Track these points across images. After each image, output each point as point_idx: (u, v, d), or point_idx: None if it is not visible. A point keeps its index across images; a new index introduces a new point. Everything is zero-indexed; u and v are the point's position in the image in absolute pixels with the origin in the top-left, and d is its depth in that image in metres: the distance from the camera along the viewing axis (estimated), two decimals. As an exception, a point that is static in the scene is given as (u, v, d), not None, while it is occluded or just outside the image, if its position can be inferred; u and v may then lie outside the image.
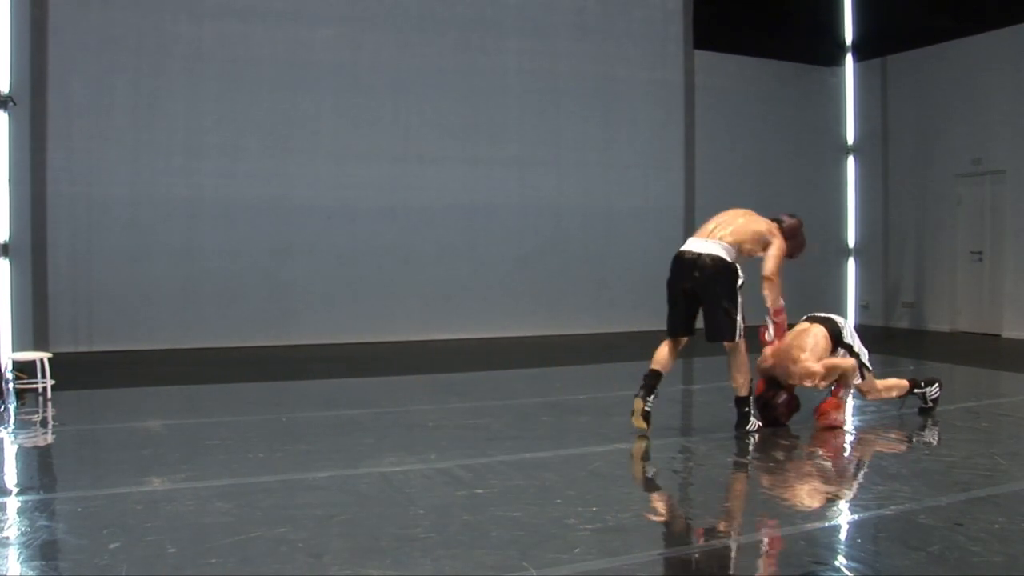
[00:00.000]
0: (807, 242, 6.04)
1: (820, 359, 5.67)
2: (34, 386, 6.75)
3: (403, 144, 11.07)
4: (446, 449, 5.15)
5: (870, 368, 6.02)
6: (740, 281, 5.67)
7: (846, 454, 5.38)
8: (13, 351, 6.87)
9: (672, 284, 5.71)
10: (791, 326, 6.03)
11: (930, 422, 6.02)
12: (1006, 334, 11.28)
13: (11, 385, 6.55)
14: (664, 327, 5.74)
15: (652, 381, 5.47)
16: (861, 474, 4.97)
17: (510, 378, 8.55)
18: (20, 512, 3.95)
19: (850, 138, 13.16)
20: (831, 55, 13.22)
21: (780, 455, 5.33)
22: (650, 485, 4.70)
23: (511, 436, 5.56)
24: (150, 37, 9.94)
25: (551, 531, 3.66)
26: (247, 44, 10.35)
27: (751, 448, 5.39)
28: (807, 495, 4.46)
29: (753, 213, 5.93)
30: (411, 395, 7.43)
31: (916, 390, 6.19)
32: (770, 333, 5.75)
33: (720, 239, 5.70)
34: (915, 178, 12.77)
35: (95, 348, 9.66)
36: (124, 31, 9.84)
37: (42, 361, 6.82)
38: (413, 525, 3.75)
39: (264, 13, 10.43)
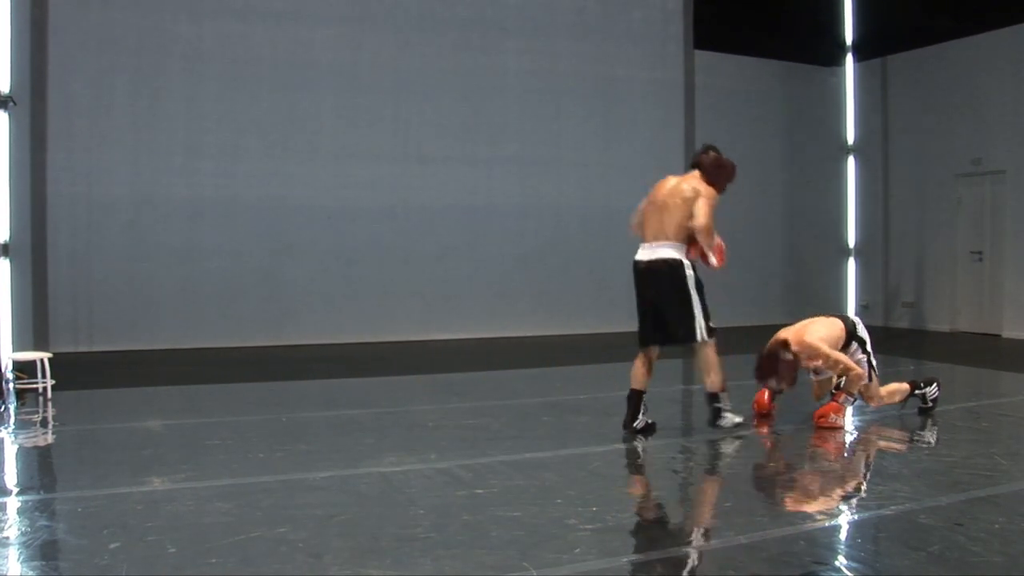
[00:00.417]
0: (732, 165, 5.78)
1: (830, 345, 5.72)
2: (34, 386, 6.75)
3: (403, 144, 11.07)
4: (446, 449, 5.15)
5: (878, 373, 6.03)
6: (690, 274, 5.52)
7: (846, 454, 5.38)
8: (13, 351, 6.88)
9: (637, 295, 5.71)
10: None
11: (930, 422, 6.02)
12: (1006, 334, 11.28)
13: (11, 385, 6.55)
14: None
15: (635, 403, 5.57)
16: (861, 474, 4.97)
17: (510, 378, 8.54)
18: (20, 512, 3.95)
19: (850, 138, 13.15)
20: (831, 55, 13.21)
21: (780, 455, 5.33)
22: (650, 485, 4.70)
23: (511, 436, 5.56)
24: (150, 37, 9.95)
25: (551, 531, 3.66)
26: (247, 44, 10.36)
27: (751, 448, 5.39)
28: (807, 495, 4.46)
29: (675, 184, 5.66)
30: (411, 395, 7.43)
31: (916, 391, 6.19)
32: (712, 261, 5.64)
33: (665, 239, 5.54)
34: (915, 178, 12.77)
35: (95, 348, 9.66)
36: (124, 31, 9.85)
37: (42, 361, 6.82)
38: (413, 525, 3.75)
39: (264, 13, 10.43)
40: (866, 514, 4.03)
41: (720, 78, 13.00)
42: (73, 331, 9.60)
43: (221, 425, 5.94)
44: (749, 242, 13.31)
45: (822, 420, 5.74)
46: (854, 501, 4.35)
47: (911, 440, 5.59)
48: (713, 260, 5.62)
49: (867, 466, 5.11)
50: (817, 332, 5.78)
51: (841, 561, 3.42)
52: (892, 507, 4.01)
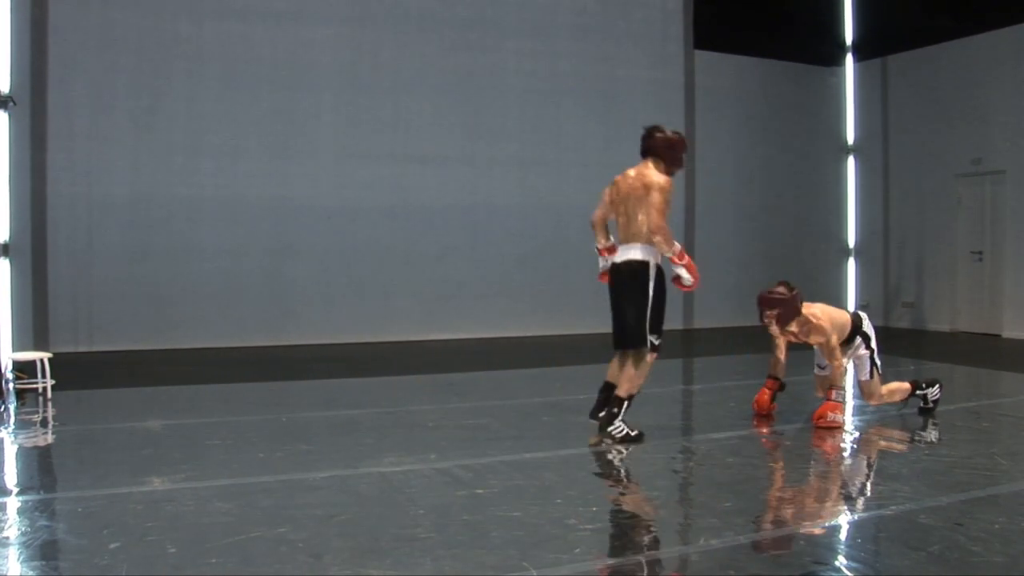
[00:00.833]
0: (681, 139, 5.61)
1: (836, 330, 5.76)
2: (34, 386, 6.75)
3: (403, 144, 11.07)
4: (446, 449, 5.15)
5: (880, 371, 6.04)
6: (653, 279, 5.31)
7: (846, 454, 5.38)
8: (13, 351, 6.88)
9: (611, 296, 5.60)
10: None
11: (930, 422, 6.02)
12: (1006, 334, 11.28)
13: (11, 385, 6.55)
14: None
15: (605, 395, 5.57)
16: (861, 474, 4.97)
17: (510, 378, 8.55)
18: (20, 512, 3.95)
19: (850, 138, 13.16)
20: (831, 55, 13.22)
21: (780, 455, 5.33)
22: (650, 485, 4.70)
23: (511, 436, 5.56)
24: (150, 37, 9.95)
25: (551, 531, 3.66)
26: (247, 44, 10.36)
27: (751, 448, 5.39)
28: (807, 495, 4.46)
29: (632, 179, 5.48)
30: (411, 395, 7.43)
31: (917, 392, 6.19)
32: (685, 278, 5.37)
33: (636, 240, 5.39)
34: (915, 178, 12.77)
35: (95, 348, 9.66)
36: (124, 31, 9.84)
37: (42, 361, 6.82)
38: (413, 525, 3.74)
39: (264, 13, 10.43)
40: (866, 514, 4.03)
41: (720, 78, 13.01)
42: (73, 331, 9.60)
43: (221, 425, 5.94)
44: (749, 242, 13.33)
45: (821, 420, 5.74)
46: (854, 501, 4.35)
47: (911, 440, 5.59)
48: (686, 277, 5.37)
49: (867, 466, 5.11)
50: (826, 311, 5.85)
51: (841, 561, 3.42)
52: (892, 507, 4.01)
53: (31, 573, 3.24)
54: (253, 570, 3.23)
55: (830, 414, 5.73)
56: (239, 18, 10.33)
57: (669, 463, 4.99)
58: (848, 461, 5.26)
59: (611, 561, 3.44)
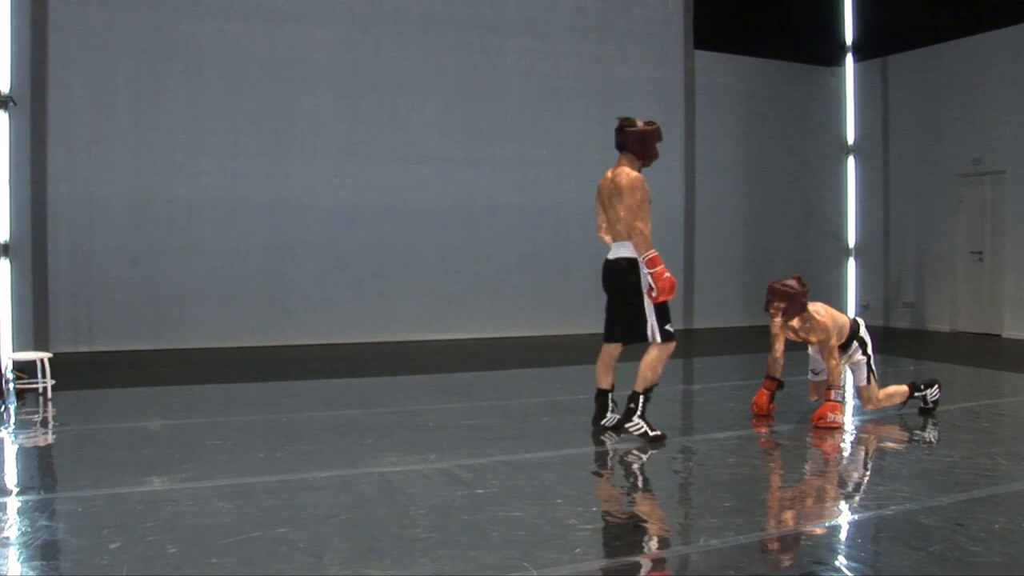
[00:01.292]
0: (653, 129, 5.53)
1: (835, 332, 5.82)
2: (34, 386, 6.75)
3: (403, 144, 11.07)
4: (446, 449, 5.15)
5: (877, 376, 6.05)
6: (644, 271, 5.26)
7: (846, 454, 5.38)
8: (13, 351, 6.88)
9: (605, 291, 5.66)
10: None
11: (930, 422, 6.02)
12: (1006, 334, 11.28)
13: (11, 385, 6.55)
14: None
15: (601, 402, 5.67)
16: (861, 474, 4.97)
17: (510, 378, 8.54)
18: (20, 512, 3.95)
19: (850, 138, 13.16)
20: (831, 55, 13.22)
21: (780, 455, 5.33)
22: (650, 485, 4.70)
23: (511, 436, 5.56)
24: (150, 37, 9.95)
25: (551, 531, 3.66)
26: (247, 44, 10.36)
27: (751, 448, 5.39)
28: (807, 495, 4.46)
29: (610, 180, 5.47)
30: (411, 395, 7.43)
31: (916, 393, 6.19)
32: (653, 288, 5.21)
33: (623, 238, 5.37)
34: (915, 178, 12.77)
35: (95, 348, 9.66)
36: (124, 31, 9.84)
37: (42, 361, 6.82)
38: (413, 525, 3.75)
39: (264, 13, 10.43)
40: (866, 514, 4.03)
41: (720, 78, 13.01)
42: (73, 331, 9.61)
43: (221, 425, 5.94)
44: (749, 242, 13.33)
45: (820, 421, 5.75)
46: (854, 501, 4.35)
47: (911, 440, 5.59)
48: (654, 288, 5.21)
49: (867, 466, 5.11)
50: (830, 310, 5.93)
51: (841, 561, 3.42)
52: (892, 507, 4.01)
53: (31, 573, 3.24)
54: (253, 570, 3.24)
55: (830, 414, 5.74)
56: (239, 18, 10.33)
57: (669, 463, 4.99)
58: (848, 461, 5.26)
59: (611, 561, 3.44)
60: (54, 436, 5.71)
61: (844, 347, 5.96)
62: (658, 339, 5.33)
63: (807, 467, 5.10)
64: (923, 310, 12.64)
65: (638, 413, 5.35)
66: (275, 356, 9.65)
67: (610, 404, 5.69)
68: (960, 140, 12.00)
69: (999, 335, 11.36)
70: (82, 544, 3.47)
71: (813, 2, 12.93)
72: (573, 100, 11.92)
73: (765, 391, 6.12)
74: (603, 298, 5.69)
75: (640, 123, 5.56)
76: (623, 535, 3.81)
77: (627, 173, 5.37)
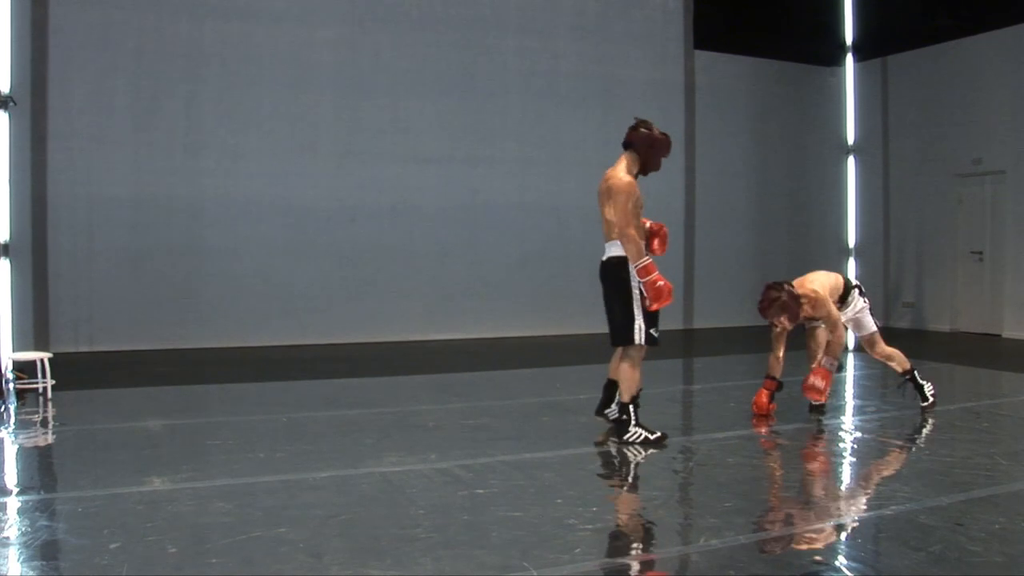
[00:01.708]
0: (665, 141, 5.45)
1: (830, 294, 5.91)
2: (34, 386, 6.75)
3: (403, 144, 11.07)
4: (446, 449, 5.15)
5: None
6: (635, 274, 5.22)
7: (846, 454, 5.38)
8: (13, 351, 6.87)
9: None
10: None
11: (930, 422, 6.02)
12: (1006, 334, 11.28)
13: (11, 385, 6.55)
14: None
15: (608, 392, 5.73)
16: (861, 474, 4.97)
17: (510, 378, 8.54)
18: (20, 512, 3.95)
19: (850, 138, 13.16)
20: (831, 55, 13.22)
21: (780, 455, 5.33)
22: (650, 485, 4.70)
23: (511, 436, 5.56)
24: (150, 37, 9.94)
25: (551, 531, 3.66)
26: (247, 44, 10.35)
27: (751, 448, 5.39)
28: (807, 495, 4.46)
29: (604, 181, 5.40)
30: (411, 395, 7.43)
31: (916, 379, 6.23)
32: (647, 300, 5.17)
33: (612, 238, 5.35)
34: (915, 178, 12.77)
35: (95, 348, 9.66)
36: (124, 31, 9.84)
37: (42, 361, 6.82)
38: (413, 525, 3.75)
39: (264, 13, 10.43)
40: (866, 514, 4.03)
41: (720, 78, 13.01)
42: (73, 331, 9.60)
43: (221, 425, 5.95)
44: (749, 242, 13.33)
45: (810, 392, 5.82)
46: (854, 501, 4.35)
47: (911, 440, 5.59)
48: (647, 295, 5.18)
49: (867, 466, 5.11)
50: (819, 280, 6.00)
51: (841, 561, 3.42)
52: (892, 507, 4.01)
53: (31, 573, 3.24)
54: (253, 570, 3.24)
55: (812, 379, 5.86)
56: (239, 18, 10.33)
57: (669, 463, 4.99)
58: (848, 461, 5.26)
59: (611, 561, 3.44)
60: (54, 436, 5.71)
61: (844, 298, 6.05)
62: (642, 341, 5.27)
63: (807, 467, 5.10)
64: (923, 310, 12.63)
65: (633, 422, 5.32)
66: (275, 356, 9.65)
67: (617, 396, 5.67)
68: (960, 140, 12.00)
69: (999, 335, 11.35)
70: (82, 544, 3.47)
71: (813, 2, 12.93)
72: (573, 100, 11.92)
73: (765, 391, 6.13)
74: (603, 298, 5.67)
75: (656, 130, 5.46)
76: (623, 535, 3.81)
77: (620, 177, 5.32)
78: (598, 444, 5.41)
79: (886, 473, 4.78)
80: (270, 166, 10.44)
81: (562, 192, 11.72)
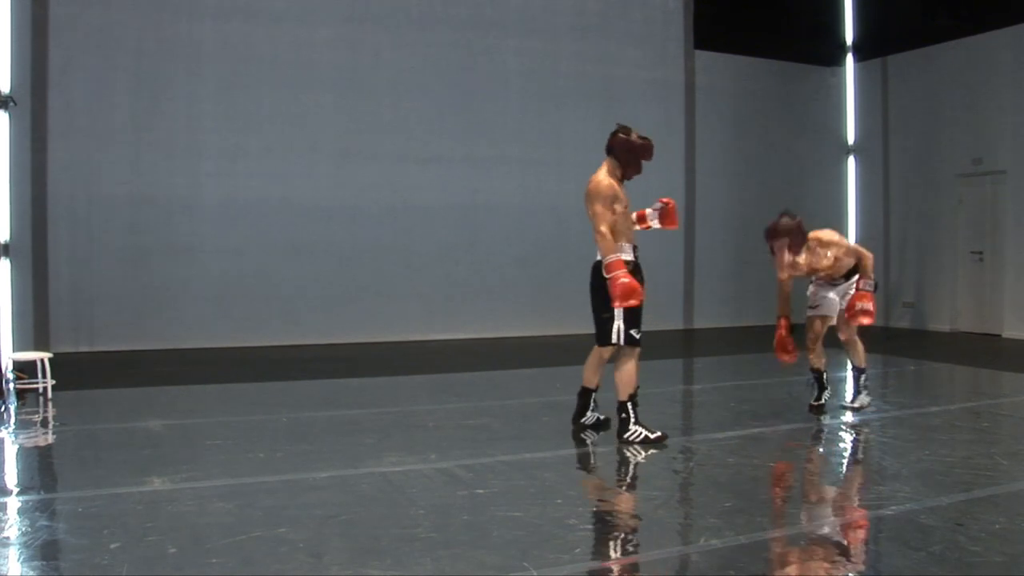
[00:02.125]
0: (643, 145, 5.59)
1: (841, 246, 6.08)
2: (34, 386, 6.75)
3: (403, 144, 11.07)
4: (446, 449, 5.15)
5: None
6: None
7: (846, 454, 5.38)
8: (13, 351, 6.88)
9: None
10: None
11: (931, 422, 6.02)
12: (1006, 334, 11.28)
13: (11, 385, 6.55)
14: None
15: (583, 400, 5.72)
16: (861, 474, 4.97)
17: (510, 378, 8.54)
18: (20, 512, 3.95)
19: (850, 138, 13.16)
20: (831, 55, 13.22)
21: (780, 455, 5.33)
22: (650, 485, 4.70)
23: (511, 436, 5.56)
24: (150, 37, 9.94)
25: (551, 531, 3.66)
26: (247, 44, 10.35)
27: (751, 448, 5.39)
28: (807, 495, 4.46)
29: (590, 183, 5.57)
30: (411, 395, 7.43)
31: (863, 378, 6.24)
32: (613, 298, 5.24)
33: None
34: (915, 178, 12.77)
35: (95, 348, 9.66)
36: (124, 31, 9.84)
37: (42, 361, 6.82)
38: (413, 525, 3.75)
39: (264, 13, 10.43)
40: (866, 514, 4.03)
41: (720, 78, 13.01)
42: (73, 331, 9.60)
43: (221, 425, 5.95)
44: (748, 242, 13.32)
45: (851, 312, 5.81)
46: (854, 501, 4.35)
47: (911, 440, 5.59)
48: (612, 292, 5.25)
49: (867, 466, 5.11)
50: (828, 232, 6.21)
51: (841, 561, 3.42)
52: (892, 507, 4.01)
53: (31, 573, 3.24)
54: (253, 570, 3.24)
55: (858, 304, 5.82)
56: (239, 18, 10.33)
57: (669, 463, 4.99)
58: (848, 461, 5.26)
59: (611, 561, 3.44)
60: (54, 436, 5.71)
61: (848, 275, 6.11)
62: (622, 341, 5.32)
63: (807, 467, 5.10)
64: (923, 310, 12.63)
65: (633, 421, 5.35)
66: (275, 356, 9.65)
67: (591, 403, 5.74)
68: (960, 140, 12.00)
69: (999, 335, 11.35)
70: (82, 544, 3.47)
71: (813, 2, 12.93)
72: (573, 100, 11.92)
73: (782, 328, 6.02)
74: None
75: (635, 135, 5.59)
76: (623, 535, 3.81)
77: (598, 180, 5.46)
78: (598, 444, 5.41)
79: (886, 473, 4.78)
80: (270, 166, 10.44)
81: (562, 192, 11.71)
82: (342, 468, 4.70)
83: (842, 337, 6.25)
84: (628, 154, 5.56)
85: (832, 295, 6.21)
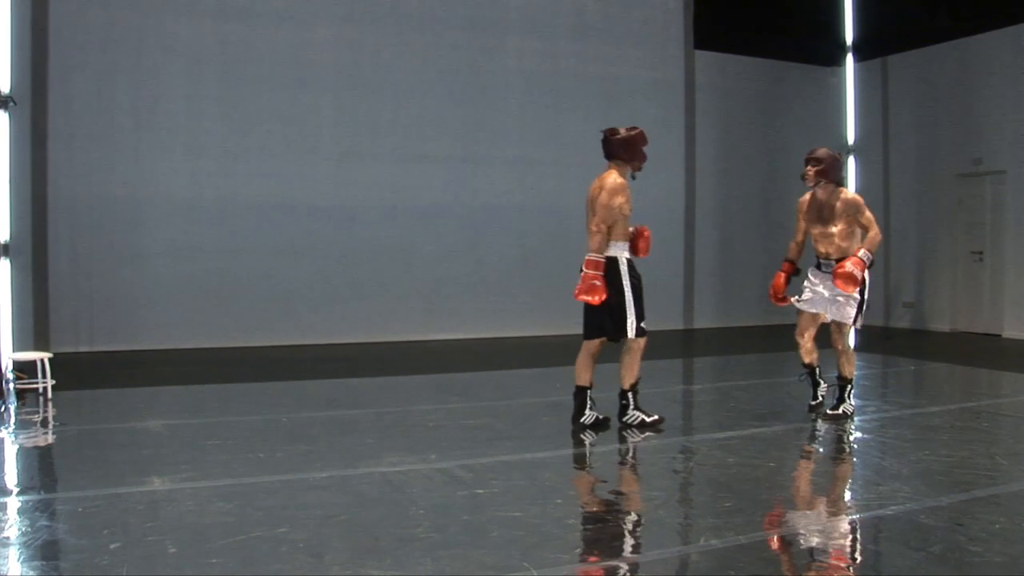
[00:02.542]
0: (637, 134, 5.77)
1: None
2: (34, 386, 6.75)
3: (403, 144, 11.07)
4: (446, 449, 5.15)
5: (859, 326, 6.16)
6: (625, 272, 5.58)
7: (846, 454, 5.38)
8: (13, 351, 6.87)
9: None
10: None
11: (930, 422, 6.02)
12: (1006, 334, 11.27)
13: (11, 385, 6.55)
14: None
15: (579, 400, 5.76)
16: (861, 474, 4.97)
17: (510, 378, 8.55)
18: (20, 512, 3.96)
19: (850, 138, 13.15)
20: (831, 55, 13.21)
21: (780, 455, 5.33)
22: (650, 485, 4.70)
23: (511, 436, 5.56)
24: (150, 37, 9.94)
25: (551, 531, 3.66)
26: (247, 44, 10.35)
27: (751, 448, 5.39)
28: (807, 495, 4.46)
29: (594, 186, 5.75)
30: (411, 395, 7.43)
31: (847, 393, 6.15)
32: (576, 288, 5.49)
33: (611, 238, 5.67)
34: (915, 178, 12.77)
35: (95, 348, 9.66)
36: (124, 31, 9.84)
37: (42, 361, 6.82)
38: (413, 525, 3.75)
39: (264, 13, 10.43)
40: (866, 514, 4.03)
41: (720, 78, 13.01)
42: (73, 331, 9.60)
43: (221, 425, 5.95)
44: (749, 242, 13.32)
45: (847, 279, 5.73)
46: (854, 501, 4.35)
47: (911, 440, 5.59)
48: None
49: (867, 466, 5.11)
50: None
51: (841, 561, 3.42)
52: (892, 507, 4.01)
53: (31, 573, 3.24)
54: (253, 570, 3.24)
55: (849, 265, 5.73)
56: (239, 18, 10.33)
57: (669, 463, 4.99)
58: (848, 461, 5.26)
59: (611, 561, 3.44)
60: (54, 436, 5.71)
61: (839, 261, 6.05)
62: (633, 334, 5.59)
63: (807, 467, 5.10)
64: (923, 310, 12.63)
65: (632, 406, 5.66)
66: (275, 356, 9.65)
67: (588, 402, 5.76)
68: (960, 140, 12.00)
69: (999, 335, 11.35)
70: (82, 544, 3.47)
71: (813, 2, 12.92)
72: (573, 100, 11.91)
73: (783, 273, 6.32)
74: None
75: (623, 130, 5.78)
76: (623, 535, 3.81)
77: (615, 177, 5.67)
78: (597, 444, 5.41)
79: (886, 473, 4.78)
80: (270, 166, 10.44)
81: (562, 192, 11.70)
82: (342, 468, 4.70)
83: (836, 347, 6.15)
84: (630, 148, 5.75)
85: (824, 291, 6.13)
